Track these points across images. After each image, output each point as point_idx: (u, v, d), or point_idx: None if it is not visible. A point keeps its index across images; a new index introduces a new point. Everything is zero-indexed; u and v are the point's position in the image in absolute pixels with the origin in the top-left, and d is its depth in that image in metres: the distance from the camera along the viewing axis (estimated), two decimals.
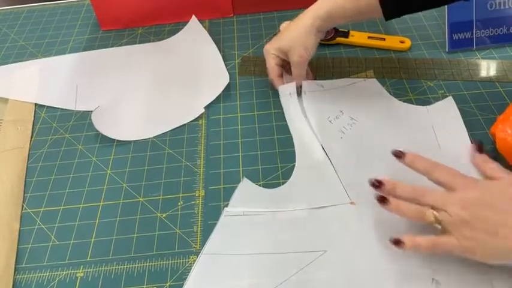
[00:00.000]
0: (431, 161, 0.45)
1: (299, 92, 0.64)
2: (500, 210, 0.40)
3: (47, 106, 0.69)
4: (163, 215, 0.54)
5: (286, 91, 0.64)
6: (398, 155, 0.47)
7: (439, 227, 0.42)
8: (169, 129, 0.64)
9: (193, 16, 0.80)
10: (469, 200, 0.41)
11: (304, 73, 0.63)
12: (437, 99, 0.63)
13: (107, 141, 0.63)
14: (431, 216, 0.42)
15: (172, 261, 0.50)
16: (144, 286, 0.48)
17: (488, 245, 0.40)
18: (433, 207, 0.42)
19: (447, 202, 0.42)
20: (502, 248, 0.39)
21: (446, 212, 0.41)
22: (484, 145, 0.53)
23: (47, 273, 0.50)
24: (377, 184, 0.46)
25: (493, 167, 0.45)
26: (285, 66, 0.65)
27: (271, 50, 0.63)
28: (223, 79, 0.68)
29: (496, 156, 0.53)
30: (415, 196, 0.44)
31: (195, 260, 0.49)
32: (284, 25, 0.76)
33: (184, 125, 0.64)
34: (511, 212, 0.39)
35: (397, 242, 0.43)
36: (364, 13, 0.57)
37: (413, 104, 0.63)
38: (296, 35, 0.60)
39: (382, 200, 0.45)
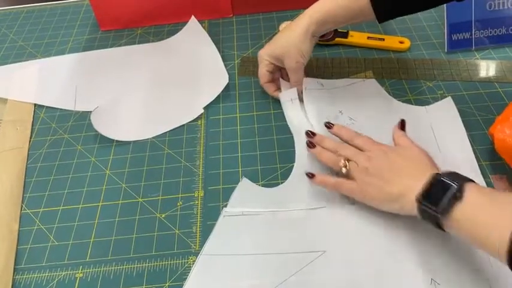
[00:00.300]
0: (353, 131, 0.55)
1: (301, 98, 0.64)
2: (395, 165, 0.48)
3: (46, 106, 0.69)
4: (163, 216, 0.54)
5: (287, 97, 0.64)
6: (328, 126, 0.56)
7: (344, 170, 0.50)
8: (169, 129, 0.64)
9: (193, 16, 0.80)
10: (373, 156, 0.50)
11: (302, 78, 0.63)
12: (436, 100, 0.63)
13: (106, 142, 0.63)
14: (342, 163, 0.51)
15: (172, 262, 0.50)
16: (143, 286, 0.48)
17: (382, 189, 0.47)
18: (346, 159, 0.51)
19: (357, 156, 0.51)
20: (392, 192, 0.46)
21: (356, 162, 0.50)
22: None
23: (46, 274, 0.50)
24: (310, 134, 0.57)
25: (401, 137, 0.53)
26: (281, 71, 0.65)
27: (264, 56, 0.63)
28: (223, 79, 0.69)
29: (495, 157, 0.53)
30: (336, 149, 0.53)
31: (194, 261, 0.49)
32: (283, 25, 0.76)
33: (183, 125, 0.64)
34: (403, 167, 0.47)
35: (309, 175, 0.52)
36: (358, 16, 0.57)
37: (412, 104, 0.63)
38: (291, 40, 0.59)
39: (311, 145, 0.56)
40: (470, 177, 0.43)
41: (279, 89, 0.65)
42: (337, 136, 0.56)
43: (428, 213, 0.42)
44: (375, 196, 0.48)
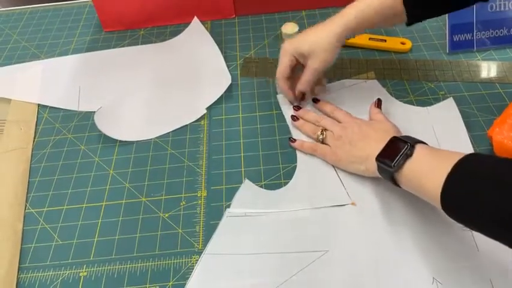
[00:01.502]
0: (334, 106, 0.62)
1: (300, 100, 0.64)
2: (366, 134, 0.54)
3: (50, 106, 0.70)
4: (166, 215, 0.54)
5: (285, 101, 0.65)
6: (314, 100, 0.64)
7: (321, 137, 0.57)
8: (172, 129, 0.64)
9: (195, 17, 0.81)
10: (348, 126, 0.56)
11: (313, 80, 0.61)
12: (437, 100, 0.63)
13: (109, 142, 0.63)
14: (319, 132, 0.58)
15: (175, 261, 0.50)
16: (147, 285, 0.48)
17: (351, 152, 0.54)
18: (324, 129, 0.58)
19: (334, 126, 0.58)
20: (359, 155, 0.53)
21: (332, 131, 0.57)
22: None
23: (50, 273, 0.50)
24: (295, 108, 0.63)
25: (377, 113, 0.59)
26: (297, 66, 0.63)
27: (290, 50, 0.60)
28: (225, 80, 0.69)
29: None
30: (316, 120, 0.60)
31: (197, 260, 0.49)
32: (286, 26, 0.76)
33: (186, 125, 0.64)
34: (372, 136, 0.53)
35: (291, 140, 0.60)
36: (389, 20, 0.56)
37: (414, 105, 0.63)
38: (321, 43, 0.57)
39: (295, 118, 0.62)
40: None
41: (292, 89, 0.63)
42: (320, 110, 0.63)
43: (384, 170, 0.48)
44: (343, 158, 0.55)
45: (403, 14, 0.54)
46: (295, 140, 0.59)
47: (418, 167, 0.45)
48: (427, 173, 0.44)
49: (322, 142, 0.58)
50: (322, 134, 0.58)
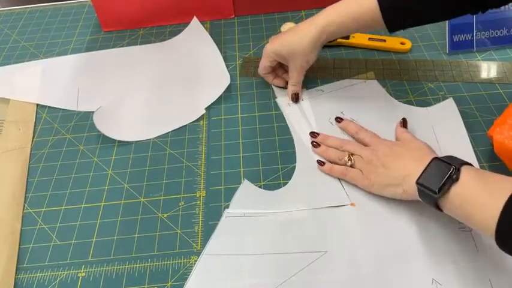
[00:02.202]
0: (359, 125, 0.59)
1: (296, 100, 0.65)
2: (398, 154, 0.51)
3: (49, 107, 0.70)
4: (165, 215, 0.54)
5: (284, 102, 0.65)
6: (338, 120, 0.61)
7: (349, 163, 0.54)
8: (171, 130, 0.64)
9: (195, 17, 0.80)
10: (377, 150, 0.53)
11: (302, 79, 0.64)
12: (437, 101, 0.63)
13: (108, 142, 0.63)
14: (346, 157, 0.54)
15: (174, 262, 0.50)
16: (145, 286, 0.48)
17: (385, 174, 0.50)
18: (351, 153, 0.55)
19: (361, 150, 0.54)
20: (395, 176, 0.49)
21: (360, 156, 0.54)
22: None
23: (49, 273, 0.50)
24: (315, 134, 0.59)
25: (403, 133, 0.56)
26: (283, 66, 0.66)
27: (269, 52, 0.63)
28: (224, 80, 0.69)
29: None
30: (339, 145, 0.57)
31: (196, 260, 0.49)
32: (285, 26, 0.76)
33: (185, 125, 0.64)
34: (405, 155, 0.50)
35: (320, 163, 0.56)
36: (368, 27, 0.57)
37: (413, 105, 0.63)
38: (299, 47, 0.59)
39: (316, 145, 0.58)
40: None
41: (277, 77, 0.67)
42: (344, 129, 0.60)
43: (427, 195, 0.44)
44: (377, 181, 0.51)
45: (382, 24, 0.55)
46: (323, 163, 0.56)
47: (465, 193, 0.42)
48: (477, 201, 0.41)
49: (351, 166, 0.54)
50: (350, 159, 0.54)
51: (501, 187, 0.40)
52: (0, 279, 0.49)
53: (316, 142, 0.58)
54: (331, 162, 0.56)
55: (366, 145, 0.56)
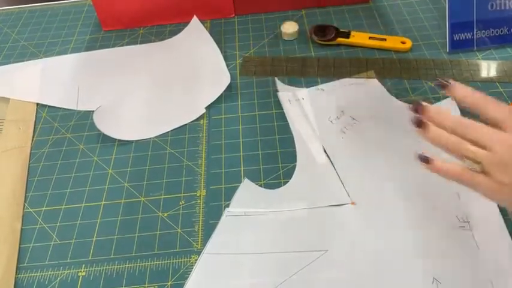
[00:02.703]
0: (483, 95, 0.38)
1: (298, 99, 0.64)
2: None
3: (49, 106, 0.69)
4: (165, 215, 0.54)
5: (285, 98, 0.65)
6: (443, 83, 0.39)
7: (476, 167, 0.35)
8: (171, 129, 0.64)
9: (195, 16, 0.80)
10: None
11: None
12: (438, 100, 0.63)
13: (108, 141, 0.63)
14: (470, 152, 0.35)
15: (174, 261, 0.50)
16: (146, 285, 0.48)
17: None
18: (476, 143, 0.35)
19: (494, 139, 0.34)
20: None
21: (491, 150, 0.34)
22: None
23: (49, 272, 0.50)
24: (414, 108, 0.39)
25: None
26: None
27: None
28: (225, 79, 0.69)
29: None
30: (459, 126, 0.37)
31: (196, 260, 0.49)
32: (285, 25, 0.76)
33: (185, 125, 0.64)
34: None
35: (424, 160, 0.38)
36: None
37: None
38: None
39: (420, 124, 0.37)
40: None
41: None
42: (455, 97, 0.39)
43: None
44: None
45: None
46: (429, 159, 0.37)
47: None
48: None
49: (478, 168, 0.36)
50: (476, 157, 0.35)
51: None
52: (0, 278, 0.49)
53: (421, 121, 0.38)
54: (446, 152, 0.37)
55: (492, 122, 0.36)
